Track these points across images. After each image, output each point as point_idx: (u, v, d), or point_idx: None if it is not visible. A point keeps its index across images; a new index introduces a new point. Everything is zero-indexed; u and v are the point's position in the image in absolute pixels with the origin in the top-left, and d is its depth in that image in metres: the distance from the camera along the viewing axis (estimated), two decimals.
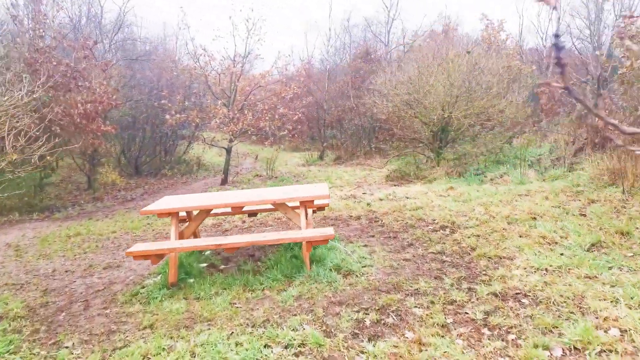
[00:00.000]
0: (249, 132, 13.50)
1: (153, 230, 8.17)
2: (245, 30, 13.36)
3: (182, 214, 5.51)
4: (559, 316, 3.37)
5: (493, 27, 16.59)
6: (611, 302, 3.48)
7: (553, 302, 3.59)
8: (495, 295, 3.83)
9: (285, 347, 3.23)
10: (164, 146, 18.91)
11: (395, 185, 9.97)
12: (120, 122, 17.11)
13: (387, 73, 11.89)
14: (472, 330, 3.30)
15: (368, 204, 7.69)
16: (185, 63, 18.44)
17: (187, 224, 5.57)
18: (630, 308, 3.35)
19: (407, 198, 7.91)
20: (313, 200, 4.91)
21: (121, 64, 17.08)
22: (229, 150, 14.22)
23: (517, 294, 3.84)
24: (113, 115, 16.57)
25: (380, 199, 8.12)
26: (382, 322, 3.52)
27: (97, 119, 10.73)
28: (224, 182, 14.34)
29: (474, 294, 3.91)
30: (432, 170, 10.18)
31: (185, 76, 15.18)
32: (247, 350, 3.20)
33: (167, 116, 13.45)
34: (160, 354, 3.29)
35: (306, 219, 5.03)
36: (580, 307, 3.47)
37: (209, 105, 14.46)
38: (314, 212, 6.54)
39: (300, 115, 14.22)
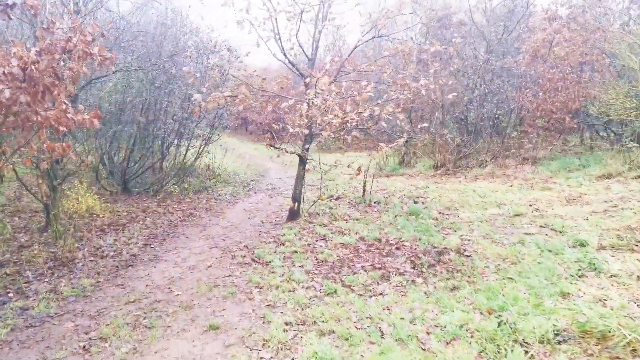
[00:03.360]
0: (357, 126, 7.16)
1: None
2: None
3: None
4: None
5: None
6: None
7: None
8: None
9: None
10: (164, 148, 12.36)
11: None
12: (100, 110, 10.53)
13: None
14: None
15: None
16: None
17: None
18: None
19: None
20: None
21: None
22: (303, 159, 7.92)
23: None
24: (88, 98, 10.01)
25: None
26: None
27: (59, 91, 4.29)
28: (294, 214, 8.03)
29: None
30: None
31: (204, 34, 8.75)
32: None
33: (196, 95, 7.02)
34: None
35: None
36: None
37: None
38: None
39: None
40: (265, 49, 32.39)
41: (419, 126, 6.37)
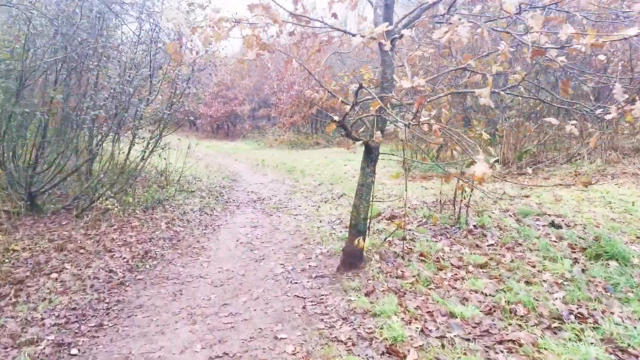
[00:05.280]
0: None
1: None
2: None
3: None
4: None
5: None
6: None
7: None
8: None
9: None
10: (94, 143, 8.03)
11: None
12: None
13: None
14: None
15: None
16: None
17: None
18: None
19: None
20: None
21: None
22: (374, 154, 4.18)
23: None
24: None
25: None
26: None
27: None
28: (356, 257, 4.28)
29: None
30: None
31: None
32: None
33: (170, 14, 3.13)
34: None
35: None
36: None
37: None
38: None
39: None
40: None
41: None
